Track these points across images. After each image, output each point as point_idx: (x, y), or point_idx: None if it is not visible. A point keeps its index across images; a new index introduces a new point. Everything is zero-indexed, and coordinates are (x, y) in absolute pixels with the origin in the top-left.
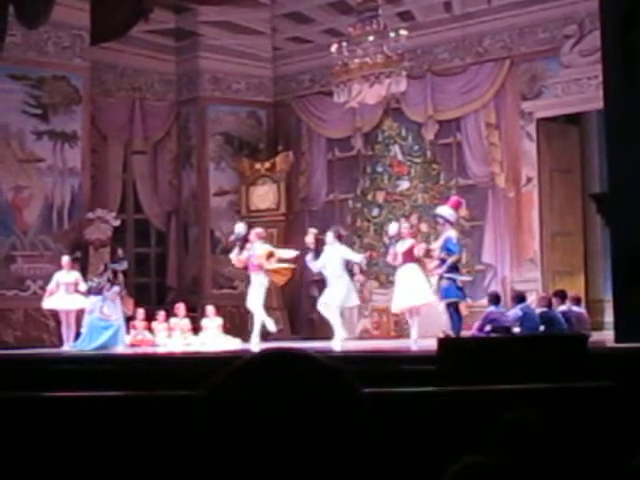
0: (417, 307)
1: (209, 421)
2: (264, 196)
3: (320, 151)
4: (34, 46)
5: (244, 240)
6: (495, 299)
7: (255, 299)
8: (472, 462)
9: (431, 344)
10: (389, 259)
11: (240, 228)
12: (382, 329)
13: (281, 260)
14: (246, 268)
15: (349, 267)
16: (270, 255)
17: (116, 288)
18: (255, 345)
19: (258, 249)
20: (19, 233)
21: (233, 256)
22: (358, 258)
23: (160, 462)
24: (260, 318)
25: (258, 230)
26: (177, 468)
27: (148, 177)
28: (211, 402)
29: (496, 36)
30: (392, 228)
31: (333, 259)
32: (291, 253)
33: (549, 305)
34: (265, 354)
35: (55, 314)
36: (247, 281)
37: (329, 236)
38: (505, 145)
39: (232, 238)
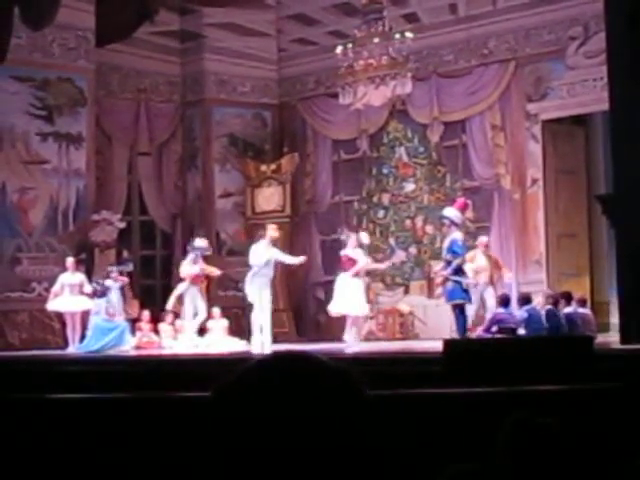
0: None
1: (216, 423)
2: (269, 198)
3: (325, 153)
4: (39, 48)
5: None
6: (505, 301)
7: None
8: (463, 468)
9: (437, 345)
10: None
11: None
12: (387, 331)
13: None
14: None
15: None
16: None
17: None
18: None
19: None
20: (24, 235)
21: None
22: (291, 260)
23: (166, 463)
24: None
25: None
26: (183, 469)
27: (153, 179)
28: (218, 404)
29: (501, 38)
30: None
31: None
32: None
33: (555, 304)
34: (272, 357)
35: (60, 316)
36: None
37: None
38: (510, 147)
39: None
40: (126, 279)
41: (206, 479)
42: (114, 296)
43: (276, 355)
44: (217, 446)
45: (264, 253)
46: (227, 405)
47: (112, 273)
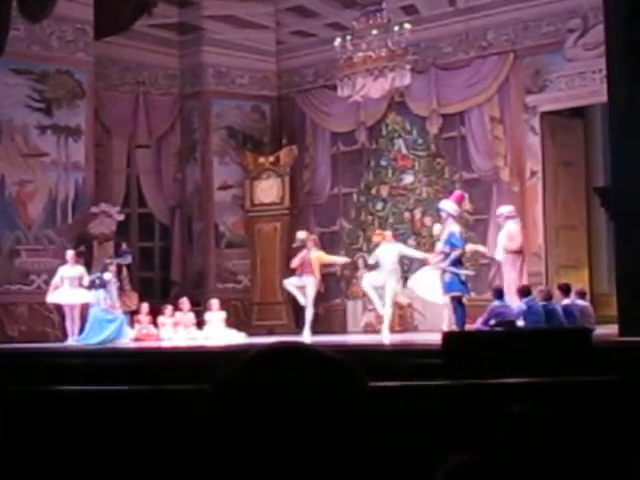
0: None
1: (216, 414)
2: (268, 190)
3: (324, 145)
4: (38, 40)
5: None
6: (499, 293)
7: None
8: (462, 462)
9: (436, 338)
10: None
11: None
12: None
13: None
14: None
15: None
16: None
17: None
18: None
19: None
20: (23, 227)
21: None
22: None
23: (165, 456)
24: None
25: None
26: (182, 462)
27: (152, 171)
28: (217, 396)
29: (500, 30)
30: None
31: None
32: None
33: (549, 298)
34: (272, 348)
35: (59, 308)
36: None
37: (388, 235)
38: (509, 139)
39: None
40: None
41: (206, 471)
42: (109, 289)
43: (275, 347)
44: (217, 438)
45: None
46: (227, 397)
47: (109, 265)
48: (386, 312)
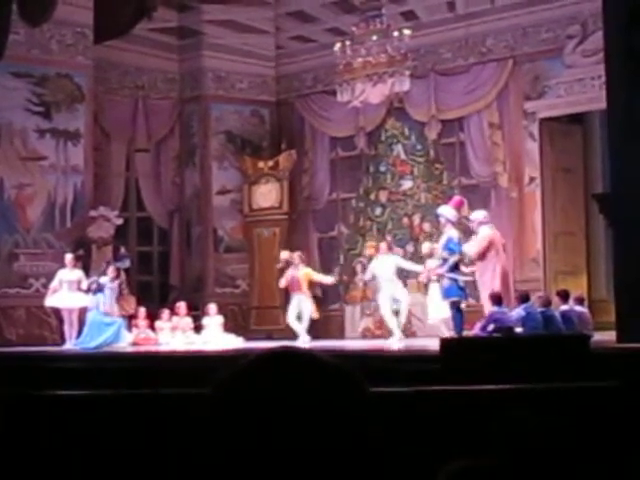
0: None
1: (215, 419)
2: (267, 195)
3: (323, 150)
4: (37, 44)
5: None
6: (497, 299)
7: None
8: (465, 465)
9: (434, 343)
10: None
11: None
12: (384, 328)
13: None
14: None
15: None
16: None
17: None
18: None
19: None
20: (22, 231)
21: None
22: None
23: (163, 461)
24: None
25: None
26: (181, 466)
27: (151, 175)
28: (216, 400)
29: (499, 36)
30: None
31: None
32: None
33: (548, 305)
34: (271, 353)
35: (57, 312)
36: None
37: (382, 247)
38: (508, 145)
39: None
40: (116, 277)
41: (206, 475)
42: (106, 293)
43: (273, 351)
44: (216, 442)
45: None
46: (226, 400)
47: (107, 269)
48: (389, 321)
